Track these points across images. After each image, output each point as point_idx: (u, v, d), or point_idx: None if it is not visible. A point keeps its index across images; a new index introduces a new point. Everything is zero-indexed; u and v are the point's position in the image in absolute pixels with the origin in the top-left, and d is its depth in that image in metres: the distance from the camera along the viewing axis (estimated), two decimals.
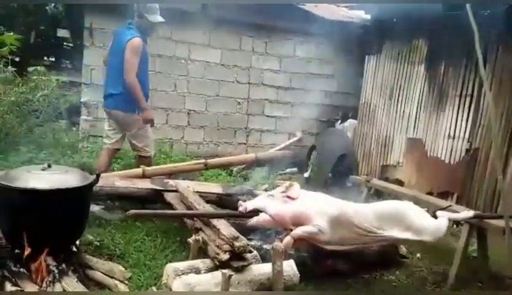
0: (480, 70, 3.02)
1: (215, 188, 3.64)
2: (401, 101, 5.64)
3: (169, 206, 3.17)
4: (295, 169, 6.21)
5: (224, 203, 3.55)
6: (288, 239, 2.44)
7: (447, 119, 4.94)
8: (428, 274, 3.23)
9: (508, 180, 4.12)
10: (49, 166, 2.45)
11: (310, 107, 6.79)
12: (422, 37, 5.34)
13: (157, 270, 2.68)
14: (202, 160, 4.35)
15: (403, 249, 3.40)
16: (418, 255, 3.51)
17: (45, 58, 10.49)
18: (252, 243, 2.72)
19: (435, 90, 5.14)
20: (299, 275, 2.48)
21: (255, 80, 6.52)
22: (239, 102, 6.52)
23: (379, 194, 4.35)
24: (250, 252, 2.39)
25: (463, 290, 2.99)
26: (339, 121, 6.78)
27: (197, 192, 3.28)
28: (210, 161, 4.42)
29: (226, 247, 2.31)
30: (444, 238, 3.53)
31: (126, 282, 2.52)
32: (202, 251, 2.54)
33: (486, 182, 4.42)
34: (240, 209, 2.53)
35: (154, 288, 2.19)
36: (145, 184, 3.47)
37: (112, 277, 2.51)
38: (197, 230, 2.62)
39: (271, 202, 2.56)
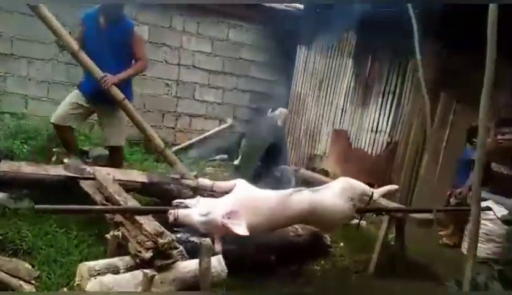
0: (418, 65, 2.98)
1: (138, 176, 3.38)
2: (330, 93, 5.77)
3: (86, 195, 2.88)
4: (225, 156, 6.12)
5: (149, 191, 3.34)
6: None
7: (371, 113, 5.15)
8: (350, 263, 3.35)
9: (422, 174, 4.43)
10: None
11: (242, 93, 6.70)
12: (351, 31, 5.47)
13: (71, 268, 2.42)
14: None
15: (328, 239, 3.47)
16: (341, 244, 3.62)
17: None
18: (178, 235, 2.56)
19: (361, 85, 5.33)
20: (227, 270, 2.39)
21: (185, 62, 6.23)
22: (167, 84, 6.20)
23: (306, 184, 4.41)
24: (176, 248, 2.23)
25: (381, 278, 3.14)
26: (270, 109, 6.77)
27: (118, 180, 3.02)
28: None
29: (149, 244, 2.13)
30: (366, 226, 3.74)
31: (33, 281, 2.24)
32: (122, 247, 2.33)
33: (403, 174, 4.70)
34: (170, 218, 2.34)
35: (65, 289, 1.95)
36: (58, 171, 3.12)
37: (16, 276, 2.22)
38: (117, 225, 2.39)
39: (205, 223, 2.36)
